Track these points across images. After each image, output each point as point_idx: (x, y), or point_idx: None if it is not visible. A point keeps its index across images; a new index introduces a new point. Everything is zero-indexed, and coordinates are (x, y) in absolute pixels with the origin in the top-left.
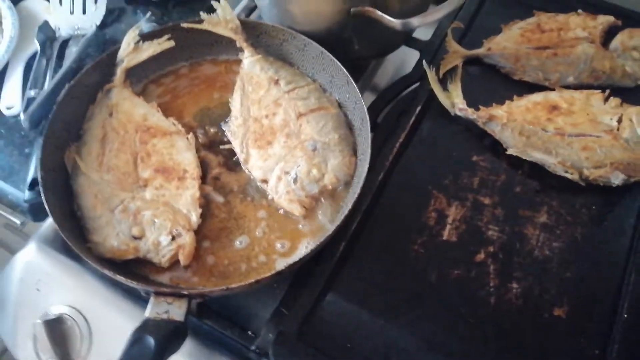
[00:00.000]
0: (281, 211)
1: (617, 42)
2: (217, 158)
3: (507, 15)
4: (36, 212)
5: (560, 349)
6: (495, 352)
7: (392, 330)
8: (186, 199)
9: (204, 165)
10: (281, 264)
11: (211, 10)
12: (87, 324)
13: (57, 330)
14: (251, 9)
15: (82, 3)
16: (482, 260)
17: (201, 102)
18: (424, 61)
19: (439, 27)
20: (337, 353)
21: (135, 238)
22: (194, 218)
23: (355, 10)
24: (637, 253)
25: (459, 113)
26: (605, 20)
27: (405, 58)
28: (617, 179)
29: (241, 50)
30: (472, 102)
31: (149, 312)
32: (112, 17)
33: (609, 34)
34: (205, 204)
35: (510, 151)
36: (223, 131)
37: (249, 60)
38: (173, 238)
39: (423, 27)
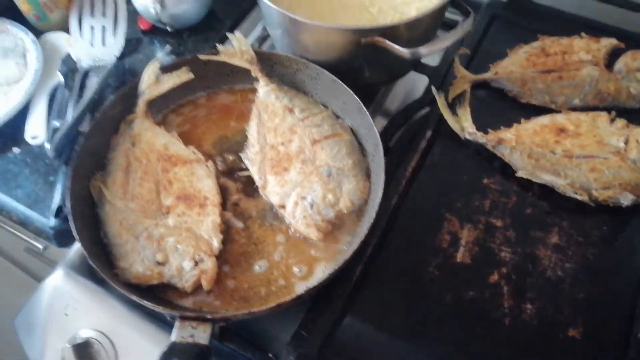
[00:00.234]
0: (298, 236)
1: (620, 64)
2: (235, 185)
3: (511, 40)
4: (61, 238)
5: None
6: None
7: (410, 351)
8: (207, 225)
9: (223, 192)
10: (300, 288)
11: (223, 39)
12: (114, 347)
13: (85, 353)
14: (264, 37)
15: (101, 35)
16: (496, 282)
17: (219, 130)
18: (433, 87)
19: (446, 52)
20: None
21: (160, 264)
22: (216, 244)
23: (365, 40)
24: None
25: (468, 137)
26: (608, 42)
27: (414, 83)
28: (626, 200)
29: (256, 79)
30: (481, 125)
31: (174, 336)
32: (130, 47)
33: (613, 56)
34: (226, 230)
35: (519, 173)
36: (241, 158)
37: (264, 90)
38: (196, 263)
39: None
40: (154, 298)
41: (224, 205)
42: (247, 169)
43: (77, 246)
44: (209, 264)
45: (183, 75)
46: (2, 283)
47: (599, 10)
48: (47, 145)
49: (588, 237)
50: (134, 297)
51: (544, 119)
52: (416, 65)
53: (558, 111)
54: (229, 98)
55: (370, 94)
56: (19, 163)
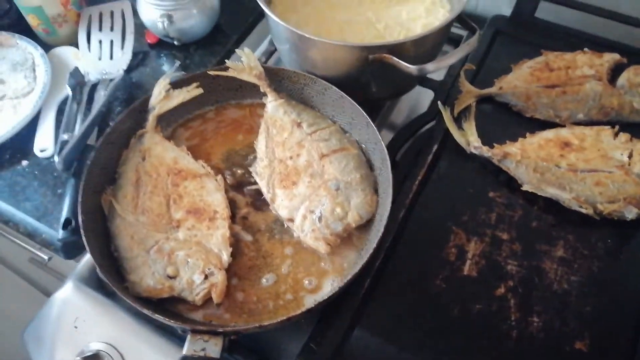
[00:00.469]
0: (307, 249)
1: (623, 79)
2: (244, 198)
3: (515, 55)
4: (69, 251)
5: None
6: None
7: None
8: (217, 238)
9: (232, 206)
10: (309, 301)
11: (229, 52)
12: (123, 359)
13: None
14: (271, 52)
15: (109, 49)
16: (503, 295)
17: (228, 144)
18: (439, 102)
19: (451, 67)
20: None
21: (170, 277)
22: (225, 257)
23: (373, 57)
24: None
25: (474, 151)
26: (611, 58)
27: (419, 97)
28: (631, 214)
29: (265, 94)
30: (486, 139)
31: (186, 349)
32: (137, 60)
33: (615, 71)
34: (235, 243)
35: (525, 187)
36: (250, 172)
37: (273, 105)
38: (206, 277)
39: None
40: (164, 311)
41: (233, 218)
42: (255, 183)
43: (86, 259)
44: (219, 278)
45: (193, 91)
46: (6, 293)
47: (601, 25)
48: (56, 158)
49: (593, 250)
50: (146, 311)
51: (549, 133)
52: (422, 80)
53: (562, 125)
54: (237, 112)
55: (375, 108)
56: (28, 175)
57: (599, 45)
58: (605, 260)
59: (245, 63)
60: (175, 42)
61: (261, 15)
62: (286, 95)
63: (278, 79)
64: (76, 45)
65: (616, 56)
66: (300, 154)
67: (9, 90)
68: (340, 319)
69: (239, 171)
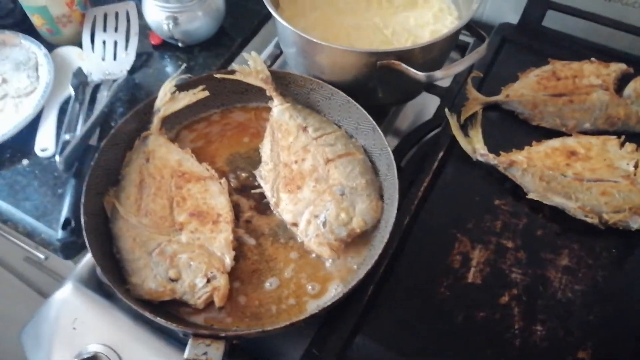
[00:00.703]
0: (311, 254)
1: (630, 89)
2: (248, 202)
3: (522, 63)
4: (68, 251)
5: None
6: None
7: None
8: (220, 242)
9: (236, 209)
10: (312, 306)
11: (233, 55)
12: None
13: None
14: (276, 55)
15: (113, 50)
16: (507, 303)
17: (232, 147)
18: (446, 109)
19: (458, 74)
20: None
21: (172, 280)
22: (228, 261)
23: (381, 63)
24: None
25: (480, 158)
26: (617, 68)
27: (425, 103)
28: (636, 224)
29: (271, 98)
30: (492, 147)
31: (187, 353)
32: (140, 61)
33: (622, 81)
34: (238, 247)
35: (530, 195)
36: (254, 176)
37: (279, 109)
38: (208, 280)
39: None
40: (165, 314)
41: (236, 222)
42: (260, 187)
43: (85, 260)
44: (222, 281)
45: (199, 93)
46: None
47: (608, 35)
48: (57, 158)
49: (598, 260)
50: (147, 314)
51: (555, 142)
52: (428, 86)
53: (569, 134)
54: (242, 116)
55: (381, 114)
56: (28, 175)
57: (606, 55)
58: (609, 269)
59: (252, 67)
60: (180, 44)
61: (266, 18)
62: (292, 99)
63: (284, 83)
64: (80, 46)
65: (623, 66)
66: (306, 158)
67: (11, 89)
68: (343, 325)
69: (243, 174)
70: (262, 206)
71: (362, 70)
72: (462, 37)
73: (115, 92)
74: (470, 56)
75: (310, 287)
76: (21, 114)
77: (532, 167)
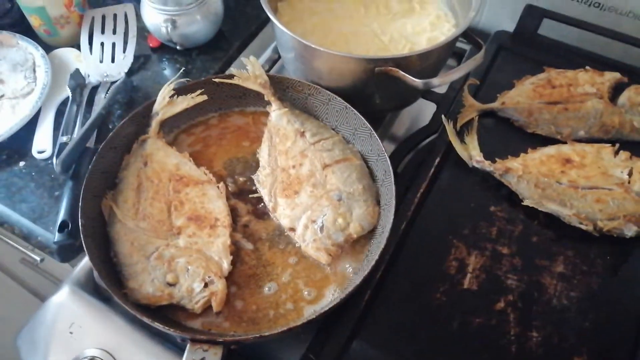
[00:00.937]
0: (308, 259)
1: (624, 98)
2: (246, 206)
3: (518, 71)
4: (65, 254)
5: None
6: None
7: None
8: (218, 246)
9: (233, 213)
10: (309, 311)
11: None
12: None
13: None
14: (274, 60)
15: (111, 52)
16: (502, 309)
17: (230, 151)
18: (443, 116)
19: (454, 81)
20: None
21: (170, 285)
22: (226, 265)
23: (379, 69)
24: None
25: (476, 165)
26: (612, 76)
27: (421, 109)
28: (630, 231)
29: (269, 103)
30: (488, 153)
31: (185, 358)
32: (138, 64)
33: (616, 90)
34: (235, 251)
35: (526, 202)
36: (252, 180)
37: (277, 113)
38: (206, 285)
39: None
40: (162, 319)
41: (234, 226)
42: (257, 191)
43: (83, 263)
44: (219, 286)
45: (197, 97)
46: None
47: (603, 44)
48: (54, 160)
49: (592, 267)
50: (145, 319)
51: (550, 149)
52: (425, 93)
53: (564, 142)
54: (240, 120)
55: (377, 120)
56: (24, 177)
57: (600, 63)
58: (604, 276)
59: (250, 71)
60: (178, 47)
61: (264, 23)
62: (290, 104)
63: (282, 88)
64: (78, 47)
65: (617, 75)
66: (303, 163)
67: (8, 90)
68: (340, 330)
69: (241, 179)
70: (260, 211)
71: (359, 76)
72: (458, 45)
73: (113, 94)
74: (468, 64)
75: (307, 292)
76: (18, 115)
77: (528, 174)
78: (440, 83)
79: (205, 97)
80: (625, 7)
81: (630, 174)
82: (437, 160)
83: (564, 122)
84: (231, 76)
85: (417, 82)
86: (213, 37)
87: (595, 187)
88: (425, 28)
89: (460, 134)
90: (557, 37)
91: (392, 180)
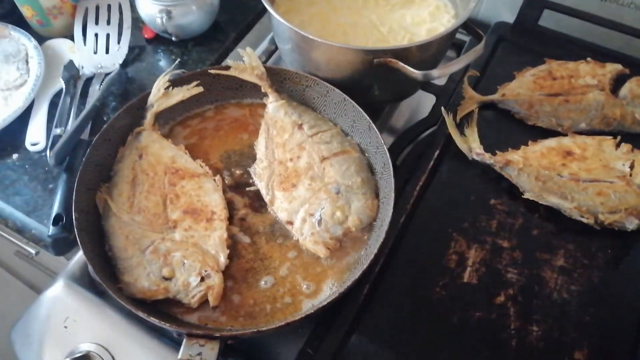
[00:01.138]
0: (306, 252)
1: (625, 90)
2: (243, 199)
3: (518, 63)
4: (59, 247)
5: None
6: None
7: None
8: (214, 240)
9: (230, 207)
10: (307, 305)
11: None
12: None
13: None
14: (271, 51)
15: (105, 43)
16: (502, 303)
17: (227, 144)
18: (442, 108)
19: (454, 72)
20: None
21: (166, 279)
22: (222, 259)
23: (378, 61)
24: None
25: (476, 157)
26: (613, 68)
27: (420, 101)
28: (632, 224)
29: (266, 95)
30: (488, 146)
31: (182, 354)
32: (133, 55)
33: (618, 82)
34: (232, 245)
35: (526, 195)
36: (249, 173)
37: (274, 105)
38: (202, 279)
39: None
40: (158, 313)
41: (230, 220)
42: (254, 184)
43: (77, 257)
44: (216, 280)
45: (193, 89)
46: None
47: (604, 35)
48: (48, 153)
49: (593, 260)
50: (140, 313)
51: (551, 142)
52: (424, 84)
53: (565, 134)
54: (237, 112)
55: (376, 112)
56: (18, 169)
57: (602, 55)
58: (605, 270)
59: (247, 62)
60: (173, 38)
61: (261, 13)
62: (287, 96)
63: (280, 79)
64: (71, 38)
65: (619, 67)
66: (301, 156)
67: (0, 82)
68: (339, 324)
69: (237, 172)
70: (257, 204)
71: (358, 67)
72: (458, 36)
73: (107, 85)
74: (468, 55)
75: (305, 286)
76: (11, 107)
77: (528, 167)
78: (440, 75)
79: (201, 89)
80: None
81: (631, 167)
82: (437, 152)
83: (564, 114)
84: (227, 67)
85: (417, 73)
86: (209, 27)
87: (596, 179)
88: (425, 19)
89: (460, 126)
90: (558, 28)
91: (391, 173)
